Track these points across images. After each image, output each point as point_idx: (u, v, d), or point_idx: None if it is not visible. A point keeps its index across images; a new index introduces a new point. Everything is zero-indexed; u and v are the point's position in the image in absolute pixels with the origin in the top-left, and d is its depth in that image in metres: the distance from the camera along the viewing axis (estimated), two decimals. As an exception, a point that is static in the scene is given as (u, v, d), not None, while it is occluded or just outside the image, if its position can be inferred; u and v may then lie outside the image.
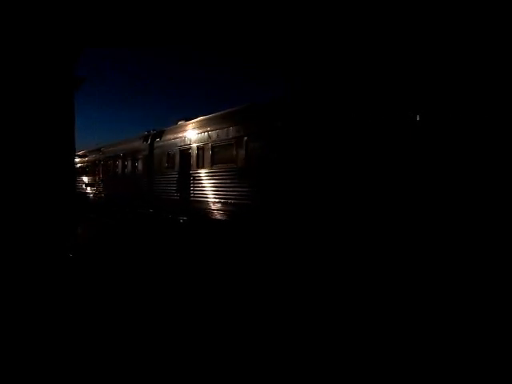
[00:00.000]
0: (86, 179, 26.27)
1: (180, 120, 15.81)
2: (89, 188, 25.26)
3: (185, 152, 14.14)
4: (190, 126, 14.09)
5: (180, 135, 14.61)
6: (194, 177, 13.26)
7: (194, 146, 13.38)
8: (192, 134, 13.70)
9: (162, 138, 15.96)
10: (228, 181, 11.27)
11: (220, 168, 11.74)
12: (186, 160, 13.96)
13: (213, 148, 12.25)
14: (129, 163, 19.10)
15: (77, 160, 28.74)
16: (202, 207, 12.79)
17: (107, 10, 6.48)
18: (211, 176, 12.15)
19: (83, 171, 26.69)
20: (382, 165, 7.42)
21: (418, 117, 6.96)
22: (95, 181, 23.85)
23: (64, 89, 6.53)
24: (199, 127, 13.30)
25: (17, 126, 5.96)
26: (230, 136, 11.52)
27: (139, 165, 17.98)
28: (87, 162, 25.96)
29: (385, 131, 7.41)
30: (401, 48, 7.63)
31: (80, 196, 27.51)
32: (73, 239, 7.34)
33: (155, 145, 16.47)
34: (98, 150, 23.28)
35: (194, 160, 13.40)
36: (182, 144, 14.28)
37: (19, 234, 5.93)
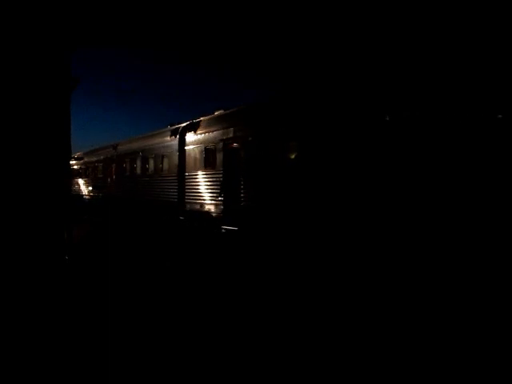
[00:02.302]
0: (93, 180, 23.59)
1: (218, 110, 13.22)
2: (98, 190, 22.54)
3: (230, 146, 11.51)
4: (240, 114, 11.47)
5: (222, 126, 11.98)
6: (247, 176, 10.62)
7: (247, 138, 10.74)
8: (242, 124, 11.07)
9: (198, 131, 13.32)
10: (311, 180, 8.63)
11: (292, 165, 9.09)
12: (232, 156, 11.33)
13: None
14: (151, 161, 16.45)
15: (82, 160, 26.16)
16: (260, 215, 10.14)
17: (103, 10, 6.63)
18: (281, 175, 9.49)
19: (92, 171, 24.02)
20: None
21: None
22: (107, 182, 21.15)
23: (60, 90, 6.49)
24: (254, 115, 10.68)
25: (12, 127, 5.89)
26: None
27: (165, 163, 15.32)
28: (96, 161, 23.27)
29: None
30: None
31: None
32: (68, 241, 7.08)
33: (187, 139, 13.83)
34: (112, 147, 20.62)
35: (245, 156, 10.76)
36: (227, 137, 11.65)
37: (13, 235, 5.82)
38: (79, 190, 27.07)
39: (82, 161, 26.73)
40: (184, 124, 14.51)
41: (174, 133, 14.80)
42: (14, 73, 5.90)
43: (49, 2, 6.11)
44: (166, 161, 15.30)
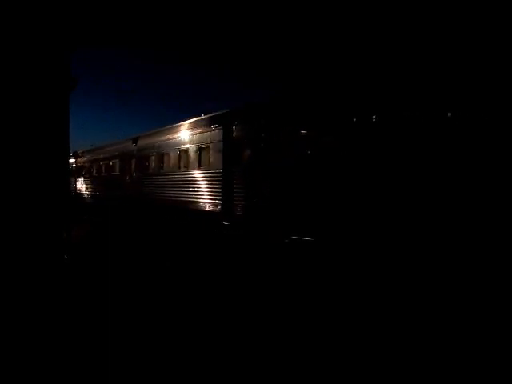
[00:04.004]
0: (107, 179, 20.98)
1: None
2: (112, 189, 19.88)
3: (310, 135, 8.99)
4: (324, 95, 8.94)
5: (297, 111, 9.46)
6: (339, 172, 8.09)
7: (336, 124, 8.22)
8: (330, 108, 8.56)
9: (252, 118, 10.75)
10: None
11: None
12: (314, 147, 8.81)
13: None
14: (184, 156, 13.89)
15: (90, 157, 23.65)
16: (352, 222, 7.61)
17: (103, 10, 6.63)
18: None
19: (105, 169, 21.38)
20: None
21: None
22: (125, 180, 18.54)
23: (59, 89, 6.39)
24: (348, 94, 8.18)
25: (10, 126, 5.80)
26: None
27: (203, 157, 12.76)
28: (111, 157, 20.64)
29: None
30: None
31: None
32: (66, 240, 6.84)
33: (237, 128, 11.27)
34: (132, 140, 18.04)
35: (335, 147, 8.25)
36: (305, 124, 9.13)
37: (11, 234, 5.73)
38: (87, 190, 24.49)
39: (90, 158, 24.18)
40: (229, 110, 11.98)
41: (216, 121, 12.27)
42: (14, 72, 5.80)
43: (49, 1, 6.03)
44: (204, 154, 12.75)
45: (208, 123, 12.68)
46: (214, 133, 12.24)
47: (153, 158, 16.11)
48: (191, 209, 13.22)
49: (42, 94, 6.09)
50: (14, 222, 5.80)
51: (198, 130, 13.16)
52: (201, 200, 12.72)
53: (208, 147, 12.51)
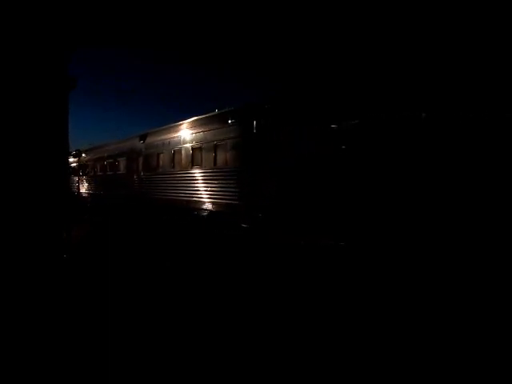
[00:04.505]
0: (112, 179, 20.11)
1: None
2: (118, 189, 18.99)
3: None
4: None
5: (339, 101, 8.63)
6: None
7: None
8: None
9: (286, 110, 9.86)
10: None
11: None
12: (345, 142, 7.97)
13: None
14: (197, 153, 13.03)
15: (93, 155, 22.80)
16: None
17: (102, 10, 6.59)
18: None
19: (110, 167, 20.51)
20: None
21: None
22: (132, 180, 17.66)
23: (58, 89, 6.36)
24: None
25: (9, 126, 5.77)
26: None
27: (220, 156, 11.90)
28: (116, 155, 19.76)
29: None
30: None
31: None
32: (66, 239, 6.84)
33: (258, 123, 10.38)
34: (139, 137, 17.16)
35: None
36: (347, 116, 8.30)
37: (11, 235, 5.69)
38: (90, 189, 23.63)
39: (93, 156, 23.32)
40: (250, 103, 11.11)
41: (234, 116, 11.40)
42: (13, 71, 5.72)
43: (49, 1, 5.97)
44: (220, 152, 11.89)
45: (225, 119, 11.82)
46: (232, 129, 11.39)
47: (162, 156, 15.26)
48: (206, 209, 12.37)
49: (40, 93, 6.07)
50: (14, 221, 5.75)
51: (214, 126, 12.31)
52: (217, 201, 11.87)
53: (224, 144, 11.66)
